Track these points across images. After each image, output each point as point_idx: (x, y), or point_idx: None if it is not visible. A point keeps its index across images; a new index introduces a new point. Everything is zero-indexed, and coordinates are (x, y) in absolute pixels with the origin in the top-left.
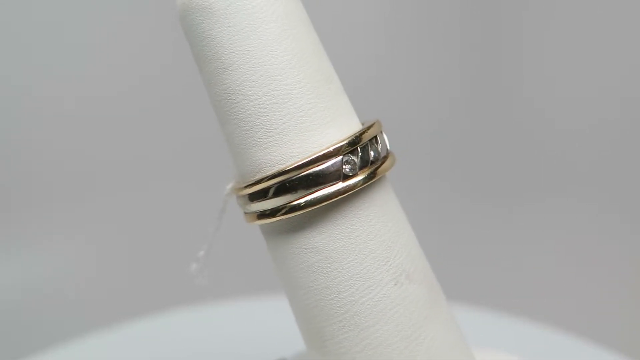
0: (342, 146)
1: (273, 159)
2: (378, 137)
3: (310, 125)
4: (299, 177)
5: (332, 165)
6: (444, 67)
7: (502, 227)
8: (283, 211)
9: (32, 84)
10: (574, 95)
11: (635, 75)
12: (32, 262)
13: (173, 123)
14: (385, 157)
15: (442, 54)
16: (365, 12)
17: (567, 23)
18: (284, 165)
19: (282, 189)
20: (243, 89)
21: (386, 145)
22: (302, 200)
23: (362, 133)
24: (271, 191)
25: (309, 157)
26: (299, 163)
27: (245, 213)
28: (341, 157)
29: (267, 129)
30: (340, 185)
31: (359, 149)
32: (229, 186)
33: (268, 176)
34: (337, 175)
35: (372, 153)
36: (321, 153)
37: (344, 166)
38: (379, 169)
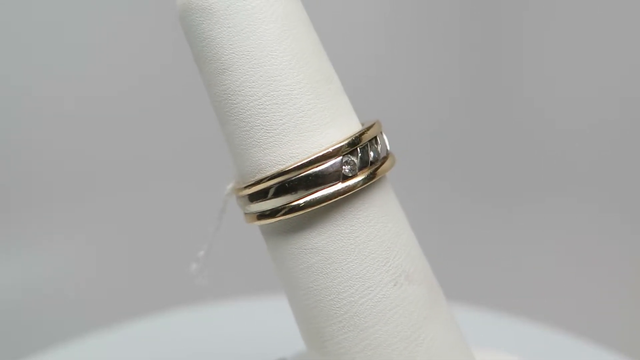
0: (341, 147)
1: (273, 159)
2: (378, 138)
3: (310, 126)
4: (299, 177)
5: (331, 165)
6: (444, 67)
7: (502, 227)
8: (283, 212)
9: (32, 84)
10: (574, 95)
11: (635, 75)
12: (32, 262)
13: (173, 123)
14: (385, 158)
15: (442, 54)
16: (365, 12)
17: (567, 23)
18: (284, 166)
19: (281, 189)
20: (243, 90)
21: (386, 146)
22: (301, 201)
23: (361, 134)
24: (271, 192)
25: (309, 157)
26: (299, 164)
27: (245, 213)
28: (341, 157)
29: (266, 129)
30: (339, 185)
31: (358, 150)
32: (229, 186)
33: (268, 177)
34: (337, 176)
35: (371, 154)
36: (321, 154)
37: (343, 167)
38: (379, 170)
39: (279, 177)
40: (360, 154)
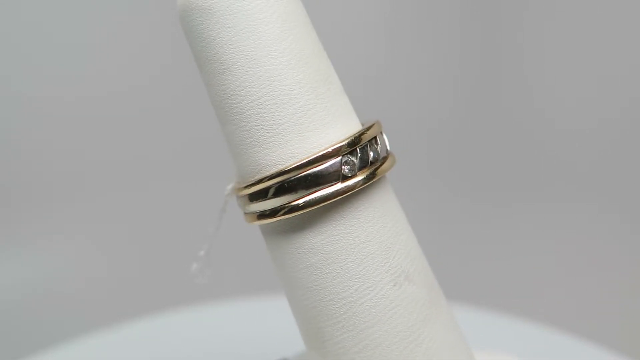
0: (341, 147)
1: (272, 159)
2: (378, 138)
3: (309, 126)
4: (298, 177)
5: (331, 165)
6: (444, 67)
7: (502, 227)
8: (282, 211)
9: (32, 84)
10: (574, 95)
11: (635, 75)
12: (32, 262)
13: (173, 123)
14: (385, 158)
15: (442, 54)
16: (365, 12)
17: (567, 23)
18: (284, 166)
19: (281, 189)
20: (242, 90)
21: (386, 146)
22: (301, 201)
23: (361, 134)
24: (271, 191)
25: (308, 157)
26: (298, 163)
27: (245, 213)
28: (340, 157)
29: (266, 129)
30: (339, 185)
31: (358, 150)
32: (229, 186)
33: (267, 176)
34: (336, 175)
35: (371, 154)
36: (320, 154)
37: (343, 167)
38: (379, 170)
39: (278, 177)
40: (359, 154)
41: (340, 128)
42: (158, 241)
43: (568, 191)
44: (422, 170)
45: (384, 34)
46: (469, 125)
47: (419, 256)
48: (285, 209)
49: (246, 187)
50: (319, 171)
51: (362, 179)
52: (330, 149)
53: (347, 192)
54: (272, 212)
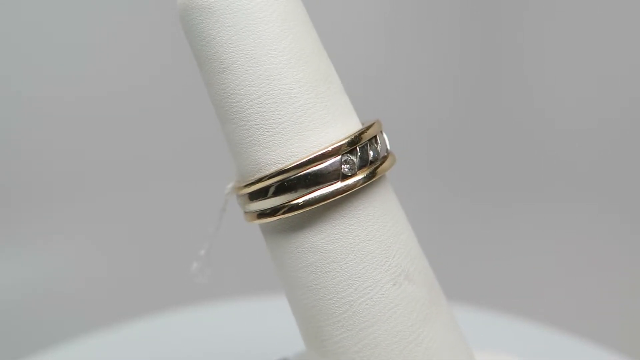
0: (341, 146)
1: (272, 158)
2: (378, 137)
3: (309, 125)
4: (298, 176)
5: (330, 164)
6: (444, 67)
7: (502, 226)
8: (282, 210)
9: (32, 84)
10: (574, 95)
11: (635, 75)
12: (32, 262)
13: (173, 123)
14: (385, 157)
15: (442, 54)
16: (365, 12)
17: (567, 23)
18: (283, 165)
19: (281, 188)
20: (242, 89)
21: (386, 145)
22: (300, 200)
23: (361, 133)
24: (271, 190)
25: (308, 156)
26: (298, 162)
27: (245, 212)
28: (340, 156)
29: (266, 128)
30: (338, 185)
31: (358, 149)
32: (230, 185)
33: (267, 175)
34: (336, 175)
35: (371, 153)
36: (320, 153)
37: (342, 166)
38: (379, 169)
39: (278, 175)
40: (359, 153)
41: (340, 127)
42: (158, 241)
43: (568, 191)
44: (422, 170)
45: (384, 34)
46: (469, 125)
47: (419, 256)
48: (285, 208)
49: (246, 186)
50: (318, 170)
51: (361, 178)
52: (329, 148)
53: (347, 191)
54: (272, 211)
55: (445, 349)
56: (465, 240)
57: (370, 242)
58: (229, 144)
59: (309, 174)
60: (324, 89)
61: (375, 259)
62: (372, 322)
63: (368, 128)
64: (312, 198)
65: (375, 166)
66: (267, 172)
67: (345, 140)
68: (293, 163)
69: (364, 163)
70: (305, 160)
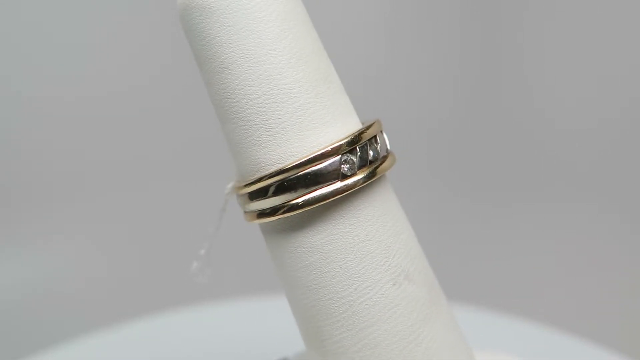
0: (340, 145)
1: (272, 158)
2: (378, 137)
3: (309, 125)
4: (297, 176)
5: (330, 164)
6: (444, 67)
7: (502, 226)
8: (282, 210)
9: (32, 84)
10: (574, 95)
11: (635, 75)
12: (32, 262)
13: (173, 123)
14: (385, 157)
15: (442, 54)
16: (365, 12)
17: (567, 23)
18: (283, 165)
19: (281, 188)
20: (242, 89)
21: (386, 145)
22: (300, 200)
23: (361, 132)
24: (270, 190)
25: (307, 156)
26: (298, 162)
27: (245, 212)
28: (339, 156)
29: (266, 128)
30: (338, 184)
31: (357, 149)
32: (230, 185)
33: (267, 175)
34: (336, 174)
35: (371, 153)
36: (319, 152)
37: (342, 165)
38: (378, 169)
39: (278, 175)
40: (359, 153)
41: (340, 127)
42: (158, 241)
43: (568, 191)
44: (422, 170)
45: (384, 34)
46: (469, 125)
47: (419, 255)
48: (285, 208)
49: (246, 185)
50: (318, 170)
51: (361, 178)
52: (329, 148)
53: (346, 191)
54: (272, 211)
55: (445, 349)
56: (465, 240)
57: (370, 242)
58: (229, 144)
59: (308, 173)
60: (323, 89)
61: (375, 258)
62: (372, 322)
63: (368, 128)
64: (311, 198)
65: (375, 166)
66: (267, 172)
67: (345, 140)
68: (293, 163)
69: (363, 163)
70: (305, 160)
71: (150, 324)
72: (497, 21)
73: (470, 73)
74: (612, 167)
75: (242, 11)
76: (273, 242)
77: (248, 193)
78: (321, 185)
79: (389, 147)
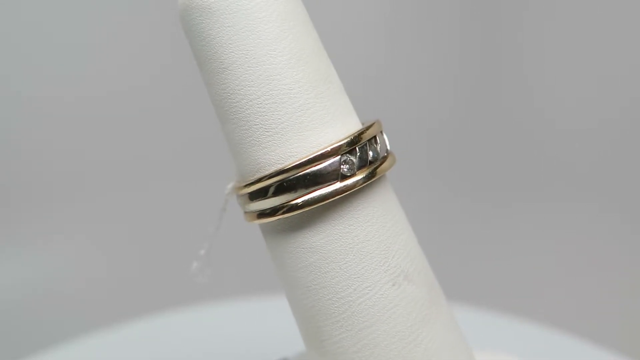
0: (340, 146)
1: (272, 158)
2: (377, 137)
3: (308, 125)
4: (297, 176)
5: (330, 165)
6: (444, 67)
7: (502, 227)
8: (282, 210)
9: (32, 84)
10: (574, 95)
11: (635, 75)
12: (32, 262)
13: (173, 123)
14: (385, 157)
15: (442, 54)
16: (365, 12)
17: (567, 23)
18: (283, 165)
19: (281, 188)
20: (242, 89)
21: (386, 146)
22: (299, 200)
23: (361, 133)
24: (270, 190)
25: (307, 156)
26: (297, 162)
27: (245, 212)
28: (339, 157)
29: (266, 128)
30: (337, 185)
31: (357, 149)
32: (230, 185)
33: (267, 175)
34: (335, 175)
35: (371, 153)
36: (319, 153)
37: (341, 166)
38: (378, 169)
39: (278, 175)
40: (359, 153)
41: (339, 127)
42: (158, 241)
43: (568, 191)
44: (422, 170)
45: (384, 34)
46: (469, 125)
47: (419, 256)
48: (285, 208)
49: (246, 186)
50: (317, 170)
51: (361, 179)
52: (329, 148)
53: (346, 192)
54: (272, 211)
55: (444, 350)
56: (465, 240)
57: (369, 243)
58: (229, 144)
59: (308, 174)
60: (323, 89)
61: (374, 259)
62: (371, 322)
63: (368, 128)
64: (311, 198)
65: (375, 166)
66: (267, 172)
67: (345, 141)
68: (292, 163)
69: (363, 163)
70: (305, 161)
71: (150, 324)
72: (497, 21)
73: (470, 73)
74: (612, 167)
75: (242, 12)
76: (273, 242)
77: (248, 193)
78: (321, 186)
79: (388, 147)
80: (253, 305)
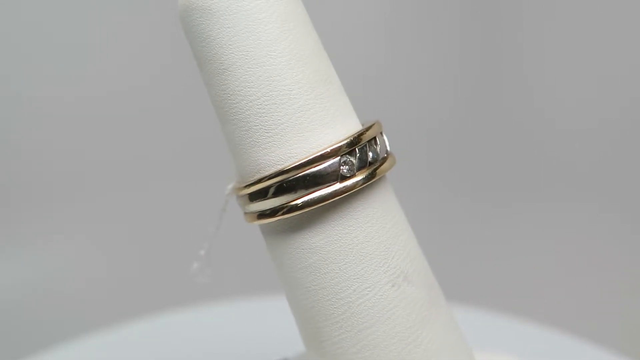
0: (340, 147)
1: (272, 159)
2: (377, 138)
3: (308, 126)
4: (297, 177)
5: (329, 166)
6: (443, 67)
7: (502, 227)
8: (282, 211)
9: (32, 84)
10: (574, 95)
11: (635, 75)
12: (32, 262)
13: (173, 123)
14: (385, 158)
15: (442, 54)
16: (365, 12)
17: (567, 23)
18: (283, 166)
19: (280, 189)
20: (242, 90)
21: (386, 146)
22: (299, 201)
23: (360, 134)
24: (270, 191)
25: (307, 157)
26: (297, 163)
27: (245, 213)
28: (339, 158)
29: (265, 129)
30: (337, 186)
31: (357, 150)
32: (230, 186)
33: (267, 176)
34: (335, 176)
35: (370, 154)
36: (319, 154)
37: (341, 167)
38: (378, 170)
39: (277, 176)
40: (358, 154)
41: (339, 128)
42: (158, 241)
43: (568, 191)
44: (422, 170)
45: (384, 34)
46: (469, 125)
47: (419, 257)
48: (285, 209)
49: (246, 186)
50: (317, 171)
51: (360, 180)
52: (328, 149)
53: (345, 193)
54: (272, 212)
55: (444, 350)
56: (465, 240)
57: (369, 243)
58: (229, 145)
59: (308, 175)
60: (323, 90)
61: (374, 260)
62: (371, 323)
63: (367, 129)
64: (311, 199)
65: (375, 167)
66: (267, 173)
67: (345, 142)
68: (292, 164)
69: (363, 164)
70: (304, 162)
71: (150, 324)
72: (497, 21)
73: (470, 73)
74: (612, 167)
75: (242, 13)
76: (273, 243)
77: (248, 194)
78: (320, 187)
79: (388, 148)
80: (253, 305)
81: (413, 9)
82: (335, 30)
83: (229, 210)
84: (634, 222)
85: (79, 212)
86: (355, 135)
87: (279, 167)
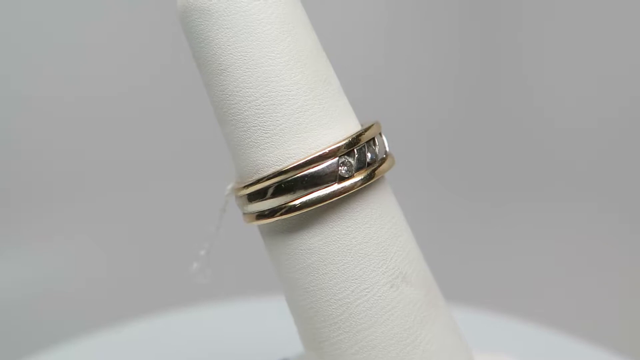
0: (338, 147)
1: (270, 159)
2: (376, 139)
3: (307, 127)
4: (295, 178)
5: (328, 166)
6: (443, 67)
7: (502, 227)
8: (280, 212)
9: (32, 84)
10: (573, 94)
11: (635, 75)
12: (32, 262)
13: (173, 123)
14: (384, 159)
15: (441, 54)
16: (365, 12)
17: (567, 23)
18: (281, 166)
19: (279, 189)
20: (240, 91)
21: (385, 147)
22: (297, 201)
23: (359, 135)
24: (269, 192)
25: (305, 158)
26: (295, 164)
27: (244, 213)
28: (337, 158)
29: (264, 130)
30: (335, 186)
31: (355, 151)
32: (229, 186)
33: (265, 177)
34: (333, 176)
35: (369, 155)
36: (317, 154)
37: (340, 168)
38: (376, 171)
39: (276, 177)
40: (357, 155)
41: (338, 129)
42: (158, 241)
43: (567, 191)
44: (421, 170)
45: (383, 34)
46: (468, 125)
47: (417, 257)
48: (283, 210)
49: (245, 187)
50: (315, 172)
51: (359, 180)
52: (327, 150)
53: (344, 193)
54: (271, 212)
55: (443, 351)
56: (465, 240)
57: (367, 244)
58: (228, 145)
59: (306, 175)
60: (322, 91)
61: (372, 261)
62: (369, 324)
63: (366, 130)
64: (309, 200)
65: (373, 168)
66: (265, 174)
67: (343, 142)
68: (291, 164)
69: (361, 165)
70: (303, 162)
71: (151, 324)
72: (497, 21)
73: (470, 73)
74: (612, 167)
75: (240, 13)
76: (271, 243)
77: (247, 194)
78: (319, 187)
79: (387, 148)
80: (253, 305)
81: (412, 9)
82: (335, 30)
83: (229, 211)
84: (633, 221)
85: (79, 212)
86: (354, 135)
87: (278, 168)
